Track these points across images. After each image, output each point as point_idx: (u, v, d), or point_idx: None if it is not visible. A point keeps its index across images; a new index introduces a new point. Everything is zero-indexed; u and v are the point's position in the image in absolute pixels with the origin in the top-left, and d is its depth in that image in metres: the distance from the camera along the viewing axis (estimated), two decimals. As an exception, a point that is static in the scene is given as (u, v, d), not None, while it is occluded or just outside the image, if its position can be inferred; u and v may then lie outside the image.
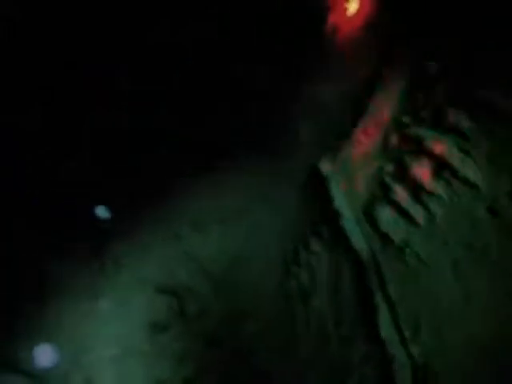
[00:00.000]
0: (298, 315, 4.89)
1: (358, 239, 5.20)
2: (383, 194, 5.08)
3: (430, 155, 4.45)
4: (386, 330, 4.06)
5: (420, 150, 4.64)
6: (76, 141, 7.86)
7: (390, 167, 5.18)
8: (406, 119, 5.15)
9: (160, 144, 7.88)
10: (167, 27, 8.20)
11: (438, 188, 4.16)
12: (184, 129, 7.91)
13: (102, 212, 7.03)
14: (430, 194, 4.26)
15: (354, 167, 6.00)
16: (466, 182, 3.86)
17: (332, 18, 8.25)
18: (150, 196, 7.19)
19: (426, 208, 4.25)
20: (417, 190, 4.50)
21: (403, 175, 4.82)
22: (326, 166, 6.63)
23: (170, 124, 7.99)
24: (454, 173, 4.02)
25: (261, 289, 5.49)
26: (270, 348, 4.80)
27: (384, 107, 5.79)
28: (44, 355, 5.52)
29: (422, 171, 4.50)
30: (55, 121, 7.98)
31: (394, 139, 5.24)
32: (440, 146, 4.31)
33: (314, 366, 4.41)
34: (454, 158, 4.08)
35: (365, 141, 6.01)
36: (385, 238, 4.73)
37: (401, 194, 4.73)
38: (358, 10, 7.75)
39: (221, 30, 8.19)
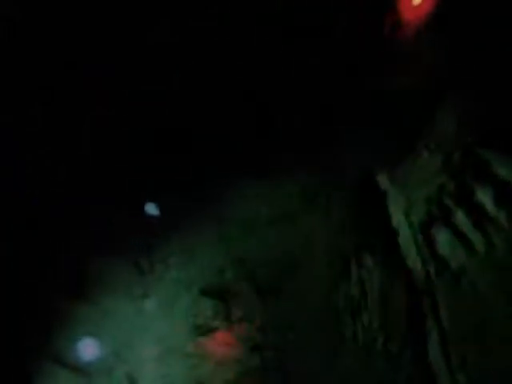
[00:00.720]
0: (345, 329, 5.06)
1: (414, 259, 5.17)
2: (442, 215, 4.95)
3: (494, 180, 4.24)
4: (433, 353, 4.06)
5: (484, 173, 4.43)
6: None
7: (450, 187, 5.02)
8: (470, 139, 4.90)
9: (195, 144, 7.96)
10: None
11: (501, 216, 3.99)
12: (225, 131, 7.94)
13: (151, 211, 7.19)
14: (492, 221, 4.09)
15: (413, 183, 5.88)
16: (529, 214, 3.65)
17: (394, 14, 7.80)
18: (200, 197, 7.28)
19: (486, 235, 4.11)
20: (478, 216, 4.35)
21: (465, 198, 4.66)
22: (384, 181, 6.58)
23: (202, 125, 8.00)
24: (518, 202, 3.82)
25: (307, 298, 5.51)
26: (312, 358, 4.87)
27: (448, 122, 5.53)
28: (89, 350, 5.70)
29: (484, 196, 4.32)
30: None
31: (456, 158, 5.04)
32: (505, 171, 4.08)
33: (358, 379, 4.59)
34: (519, 186, 3.86)
35: (426, 156, 5.83)
36: (441, 262, 4.65)
37: (461, 217, 4.60)
38: (422, 4, 7.21)
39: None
